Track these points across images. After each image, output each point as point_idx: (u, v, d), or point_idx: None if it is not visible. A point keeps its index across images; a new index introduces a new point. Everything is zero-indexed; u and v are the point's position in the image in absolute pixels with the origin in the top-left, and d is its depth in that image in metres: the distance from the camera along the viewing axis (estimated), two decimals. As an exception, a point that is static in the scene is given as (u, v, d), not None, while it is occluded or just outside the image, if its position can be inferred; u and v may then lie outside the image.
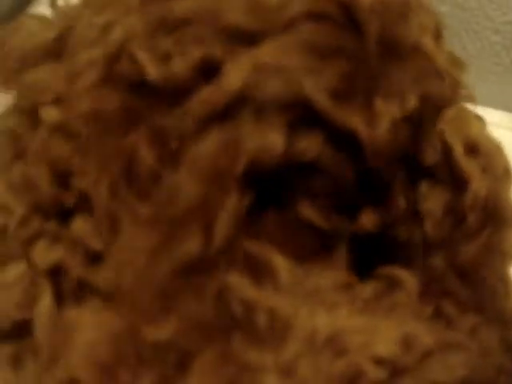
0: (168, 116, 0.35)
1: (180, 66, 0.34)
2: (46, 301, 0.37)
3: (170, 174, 0.34)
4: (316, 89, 0.33)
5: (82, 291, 0.36)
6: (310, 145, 0.34)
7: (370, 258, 0.37)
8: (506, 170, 0.37)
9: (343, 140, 0.34)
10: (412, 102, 0.33)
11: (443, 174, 0.35)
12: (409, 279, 0.34)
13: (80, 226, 0.36)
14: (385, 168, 0.34)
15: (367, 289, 0.34)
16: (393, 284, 0.35)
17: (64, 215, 0.37)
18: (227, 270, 0.32)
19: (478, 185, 0.35)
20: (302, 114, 0.34)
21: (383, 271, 0.35)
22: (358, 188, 0.36)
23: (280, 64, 0.34)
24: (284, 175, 0.34)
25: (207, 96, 0.33)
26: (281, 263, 0.34)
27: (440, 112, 0.36)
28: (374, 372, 0.30)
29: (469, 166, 0.35)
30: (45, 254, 0.37)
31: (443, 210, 0.35)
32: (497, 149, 0.39)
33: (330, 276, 0.34)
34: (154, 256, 0.34)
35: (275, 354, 0.30)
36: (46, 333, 0.36)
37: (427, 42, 0.35)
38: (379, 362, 0.30)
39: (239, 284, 0.33)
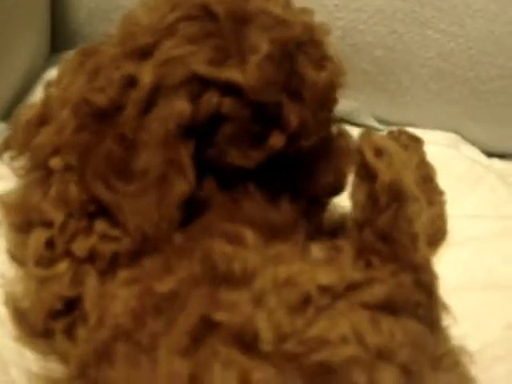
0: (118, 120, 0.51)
1: (110, 91, 0.52)
2: (91, 279, 0.51)
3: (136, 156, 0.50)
4: (199, 63, 0.51)
5: (113, 267, 0.50)
6: (209, 102, 0.51)
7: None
8: (404, 163, 0.52)
9: (231, 90, 0.51)
10: (264, 46, 0.51)
11: (361, 173, 0.52)
12: (346, 245, 0.50)
13: (101, 222, 0.52)
14: (268, 97, 0.51)
15: (316, 250, 0.50)
16: (335, 248, 0.50)
17: (90, 217, 0.52)
18: (210, 240, 0.48)
19: (383, 176, 0.50)
20: (197, 84, 0.51)
21: (329, 242, 0.51)
22: (257, 121, 0.53)
23: (173, 56, 0.51)
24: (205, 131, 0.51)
25: (136, 95, 0.51)
26: (249, 234, 0.49)
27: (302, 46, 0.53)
28: (320, 297, 0.43)
29: (376, 164, 0.50)
30: (82, 246, 0.51)
31: (365, 197, 0.51)
32: (396, 150, 0.53)
33: (287, 245, 0.49)
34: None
35: (248, 291, 0.43)
36: (93, 302, 0.50)
37: (270, 6, 0.54)
38: (323, 289, 0.44)
39: (220, 246, 0.47)
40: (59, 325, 0.52)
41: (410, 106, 0.91)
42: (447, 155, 0.87)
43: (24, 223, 0.55)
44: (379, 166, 0.50)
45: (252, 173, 0.54)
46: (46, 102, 0.59)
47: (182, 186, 0.50)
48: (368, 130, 0.54)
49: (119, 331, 0.45)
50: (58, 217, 0.52)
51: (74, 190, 0.52)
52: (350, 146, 0.59)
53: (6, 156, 0.61)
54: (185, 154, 0.51)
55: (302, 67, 0.53)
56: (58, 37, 0.94)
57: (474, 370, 0.49)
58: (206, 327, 0.42)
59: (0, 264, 0.58)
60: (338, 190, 0.60)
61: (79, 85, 0.55)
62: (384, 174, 0.50)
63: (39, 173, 0.55)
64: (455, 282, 0.66)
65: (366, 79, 0.88)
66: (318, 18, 0.84)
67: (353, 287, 0.45)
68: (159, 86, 0.51)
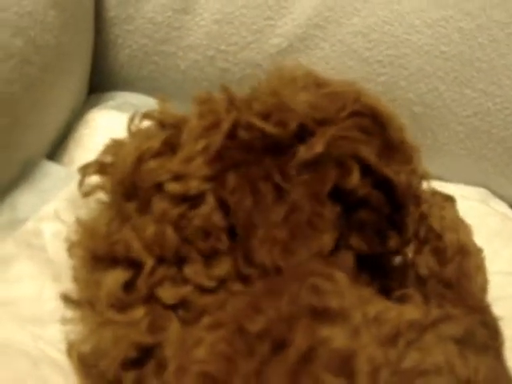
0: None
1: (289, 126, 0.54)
2: (174, 325, 0.49)
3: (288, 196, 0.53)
4: (368, 151, 0.55)
5: (199, 315, 0.48)
6: (365, 185, 0.55)
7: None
8: (466, 226, 0.66)
9: (382, 185, 0.56)
10: (414, 161, 0.59)
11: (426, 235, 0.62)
12: (414, 292, 0.55)
13: (192, 270, 0.50)
14: (405, 205, 0.57)
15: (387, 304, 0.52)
16: (405, 296, 0.55)
17: (179, 262, 0.50)
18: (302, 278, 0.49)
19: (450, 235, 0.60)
20: (361, 165, 0.55)
21: (400, 292, 0.56)
22: (386, 220, 0.58)
23: (345, 135, 0.55)
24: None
25: (304, 152, 0.53)
26: (341, 275, 0.50)
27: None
28: (408, 330, 0.45)
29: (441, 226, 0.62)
30: (171, 293, 0.49)
31: (431, 254, 0.62)
32: (459, 222, 0.66)
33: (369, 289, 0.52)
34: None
35: (345, 326, 0.45)
36: (174, 349, 0.47)
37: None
38: (410, 324, 0.46)
39: (315, 282, 0.48)
40: (130, 375, 0.49)
41: (443, 161, 0.93)
42: (479, 211, 0.88)
43: (105, 256, 0.52)
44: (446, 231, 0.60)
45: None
46: (169, 138, 0.56)
47: (325, 239, 0.52)
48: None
49: (207, 378, 0.44)
50: (149, 259, 0.50)
51: (171, 233, 0.50)
52: None
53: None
54: (331, 213, 0.53)
55: None
56: (97, 78, 0.95)
57: None
58: (309, 361, 0.43)
59: (54, 312, 0.57)
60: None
61: (236, 118, 0.54)
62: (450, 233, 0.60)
63: (132, 205, 0.53)
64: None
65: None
66: (361, 72, 0.87)
67: (437, 321, 0.47)
68: (328, 154, 0.54)
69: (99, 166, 0.59)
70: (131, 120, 0.60)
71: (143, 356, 0.49)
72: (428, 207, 0.71)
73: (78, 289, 0.55)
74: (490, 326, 0.52)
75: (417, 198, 0.61)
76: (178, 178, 0.52)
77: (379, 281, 0.58)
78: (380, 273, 0.60)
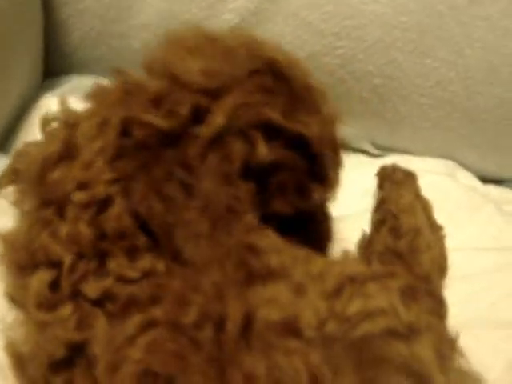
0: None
1: (179, 117, 0.52)
2: (101, 322, 0.48)
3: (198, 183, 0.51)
4: (274, 112, 0.53)
5: (124, 310, 0.48)
6: (275, 149, 0.53)
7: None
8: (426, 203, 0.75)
9: (295, 143, 0.54)
10: (325, 108, 0.57)
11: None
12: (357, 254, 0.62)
13: (116, 263, 0.49)
14: (322, 155, 0.56)
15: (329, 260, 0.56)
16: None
17: (101, 257, 0.50)
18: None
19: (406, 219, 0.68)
20: (268, 131, 0.53)
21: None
22: (307, 174, 0.57)
23: (247, 101, 0.53)
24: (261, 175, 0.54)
25: (206, 130, 0.51)
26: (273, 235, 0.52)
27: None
28: (351, 283, 0.48)
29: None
30: (94, 287, 0.48)
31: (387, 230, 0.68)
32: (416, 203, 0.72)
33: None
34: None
35: (286, 284, 0.47)
36: (103, 346, 0.46)
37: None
38: (352, 278, 0.48)
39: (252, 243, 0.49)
40: (59, 379, 0.48)
41: (407, 134, 0.92)
42: (445, 184, 0.87)
43: (28, 264, 0.52)
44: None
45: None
46: (68, 139, 0.55)
47: (248, 219, 0.51)
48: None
49: (148, 376, 0.44)
50: (66, 256, 0.49)
51: (86, 230, 0.50)
52: None
53: (7, 191, 0.59)
54: (246, 193, 0.52)
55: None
56: (51, 61, 0.92)
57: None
58: (251, 324, 0.44)
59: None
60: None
61: (127, 114, 0.53)
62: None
63: (49, 211, 0.52)
64: (456, 318, 0.65)
65: (364, 107, 0.88)
66: (318, 46, 0.85)
67: (380, 275, 0.50)
68: (231, 125, 0.52)
69: (13, 175, 0.59)
70: (43, 122, 0.60)
71: (72, 355, 0.48)
72: (387, 190, 0.74)
73: (10, 295, 0.54)
74: (435, 296, 0.55)
75: (333, 143, 0.58)
76: (82, 186, 0.51)
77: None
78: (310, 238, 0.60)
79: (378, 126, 0.91)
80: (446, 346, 0.49)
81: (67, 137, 0.56)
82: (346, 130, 0.88)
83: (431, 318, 0.49)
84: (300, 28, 0.83)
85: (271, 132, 0.53)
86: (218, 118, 0.52)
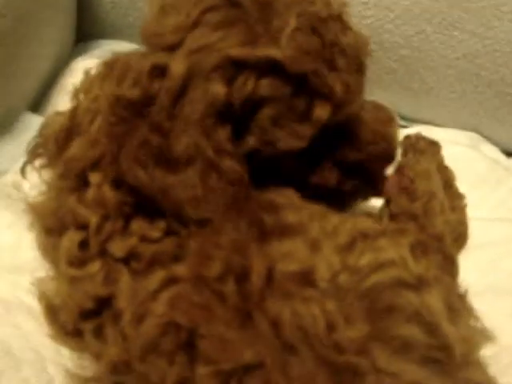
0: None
1: (141, 83, 0.52)
2: (125, 278, 0.51)
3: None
4: (231, 47, 0.51)
5: (148, 267, 0.50)
6: (245, 84, 0.51)
7: None
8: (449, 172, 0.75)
9: (267, 69, 0.51)
10: (292, 20, 0.52)
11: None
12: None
13: (138, 224, 0.52)
14: (307, 67, 0.52)
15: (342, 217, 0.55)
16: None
17: (127, 218, 0.52)
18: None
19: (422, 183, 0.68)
20: (231, 67, 0.51)
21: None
22: (299, 95, 0.53)
23: (203, 43, 0.52)
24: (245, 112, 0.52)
25: (168, 84, 0.51)
26: (293, 194, 0.54)
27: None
28: (363, 238, 0.51)
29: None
30: (120, 246, 0.52)
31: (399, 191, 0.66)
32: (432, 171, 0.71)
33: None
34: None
35: (303, 239, 0.49)
36: (127, 300, 0.50)
37: None
38: (364, 234, 0.50)
39: (268, 201, 0.52)
40: (89, 325, 0.52)
41: (433, 105, 0.92)
42: (468, 156, 0.87)
43: (57, 227, 0.55)
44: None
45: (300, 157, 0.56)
46: (74, 114, 0.58)
47: (232, 166, 0.51)
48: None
49: (173, 328, 0.46)
50: (93, 218, 0.52)
51: (110, 193, 0.52)
52: (391, 114, 0.63)
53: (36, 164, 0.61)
54: (224, 137, 0.51)
55: (332, 36, 0.53)
56: (84, 26, 0.94)
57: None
58: (273, 276, 0.46)
59: (32, 261, 0.59)
60: (391, 156, 0.64)
61: (109, 90, 0.54)
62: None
63: (73, 181, 0.55)
64: (475, 287, 0.66)
65: (391, 78, 0.89)
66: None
67: (391, 231, 0.52)
68: (192, 73, 0.51)
69: (37, 147, 0.62)
70: (73, 91, 0.61)
71: (100, 307, 0.52)
72: (405, 159, 0.73)
73: (42, 253, 0.58)
74: (445, 254, 0.56)
75: (311, 54, 0.52)
76: (94, 166, 0.54)
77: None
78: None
79: (405, 96, 0.92)
80: (456, 300, 0.51)
81: (73, 111, 0.59)
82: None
83: (441, 273, 0.51)
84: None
85: (239, 66, 0.51)
86: (176, 69, 0.51)
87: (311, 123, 0.53)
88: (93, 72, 0.59)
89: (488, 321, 0.62)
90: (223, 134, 0.51)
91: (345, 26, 0.55)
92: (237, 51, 0.51)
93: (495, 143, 0.94)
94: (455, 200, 0.75)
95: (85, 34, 0.95)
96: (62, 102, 0.84)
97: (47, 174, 0.60)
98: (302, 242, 0.49)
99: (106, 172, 0.53)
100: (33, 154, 0.62)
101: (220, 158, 0.51)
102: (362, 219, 0.54)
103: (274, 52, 0.50)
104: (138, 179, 0.51)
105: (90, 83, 0.59)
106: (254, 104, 0.52)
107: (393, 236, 0.51)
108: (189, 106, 0.50)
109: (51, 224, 0.56)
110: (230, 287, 0.46)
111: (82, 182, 0.54)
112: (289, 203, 0.52)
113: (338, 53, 0.53)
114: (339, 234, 0.50)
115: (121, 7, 0.92)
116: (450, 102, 0.91)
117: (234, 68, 0.51)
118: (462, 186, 0.77)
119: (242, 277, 0.46)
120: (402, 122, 0.95)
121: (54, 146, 0.58)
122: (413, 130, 0.92)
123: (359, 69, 0.56)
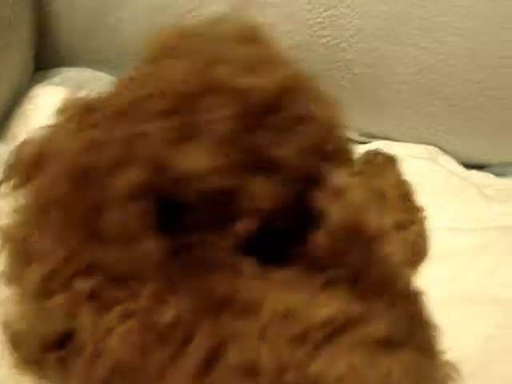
0: None
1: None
2: (87, 312, 0.50)
3: None
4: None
5: (109, 304, 0.49)
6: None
7: None
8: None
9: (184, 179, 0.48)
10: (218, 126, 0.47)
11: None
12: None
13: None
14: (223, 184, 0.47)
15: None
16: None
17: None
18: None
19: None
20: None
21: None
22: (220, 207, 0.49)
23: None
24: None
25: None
26: (248, 265, 0.49)
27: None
28: (319, 331, 0.44)
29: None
30: (85, 281, 0.50)
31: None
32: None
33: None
34: None
35: (254, 322, 0.44)
36: (88, 334, 0.49)
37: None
38: (322, 323, 0.44)
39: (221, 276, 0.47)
40: (52, 356, 0.51)
41: (390, 120, 0.94)
42: (427, 169, 0.89)
43: (25, 255, 0.54)
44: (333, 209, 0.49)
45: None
46: (42, 145, 0.57)
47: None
48: None
49: (121, 366, 0.46)
50: (60, 253, 0.51)
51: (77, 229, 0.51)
52: None
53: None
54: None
55: (265, 141, 0.48)
56: (42, 54, 0.94)
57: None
58: (215, 359, 0.43)
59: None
60: None
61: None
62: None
63: (40, 216, 0.54)
64: (439, 297, 0.67)
65: (347, 95, 0.90)
66: (303, 35, 0.87)
67: (351, 323, 0.45)
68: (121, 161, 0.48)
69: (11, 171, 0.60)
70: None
71: (64, 339, 0.51)
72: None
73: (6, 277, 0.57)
74: (414, 316, 0.51)
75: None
76: None
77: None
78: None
79: (362, 113, 0.93)
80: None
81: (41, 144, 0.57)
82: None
83: (412, 356, 0.47)
84: (287, 18, 0.86)
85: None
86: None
87: (233, 235, 0.49)
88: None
89: (453, 330, 0.64)
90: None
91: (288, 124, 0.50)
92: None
93: (453, 155, 0.96)
94: (415, 213, 0.76)
95: (44, 61, 0.95)
96: (19, 129, 0.85)
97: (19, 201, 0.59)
98: (251, 325, 0.44)
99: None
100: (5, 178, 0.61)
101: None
102: (324, 301, 0.46)
103: (194, 164, 0.47)
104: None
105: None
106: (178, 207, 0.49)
107: (355, 332, 0.45)
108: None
109: (20, 251, 0.55)
110: (175, 339, 0.45)
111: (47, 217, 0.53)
112: (243, 276, 0.48)
113: (269, 161, 0.48)
114: (292, 321, 0.45)
115: (79, 34, 0.93)
116: (406, 117, 0.93)
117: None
118: (421, 198, 0.79)
119: (189, 337, 0.45)
120: (362, 138, 0.97)
121: (23, 173, 0.57)
122: (372, 145, 0.93)
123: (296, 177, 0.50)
